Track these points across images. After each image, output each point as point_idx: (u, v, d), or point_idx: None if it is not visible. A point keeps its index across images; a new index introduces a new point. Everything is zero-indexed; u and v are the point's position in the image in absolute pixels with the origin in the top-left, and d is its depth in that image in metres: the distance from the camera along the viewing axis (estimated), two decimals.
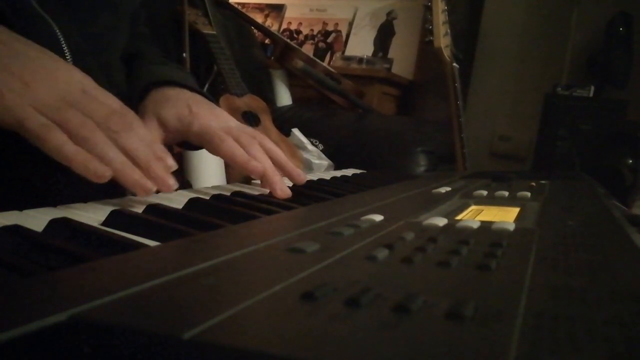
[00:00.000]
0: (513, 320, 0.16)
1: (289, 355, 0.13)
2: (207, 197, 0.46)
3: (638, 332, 0.15)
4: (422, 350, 0.13)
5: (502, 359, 0.13)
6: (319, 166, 1.65)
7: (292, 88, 2.23)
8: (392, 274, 0.21)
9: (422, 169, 1.68)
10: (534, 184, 0.60)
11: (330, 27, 2.61)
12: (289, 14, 2.72)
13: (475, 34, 2.36)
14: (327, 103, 2.14)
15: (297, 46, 2.26)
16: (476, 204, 0.47)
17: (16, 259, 0.25)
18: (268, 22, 2.69)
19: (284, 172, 0.55)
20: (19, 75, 0.40)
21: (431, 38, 1.54)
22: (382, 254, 0.24)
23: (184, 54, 1.70)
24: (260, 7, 2.76)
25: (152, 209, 0.39)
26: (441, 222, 0.33)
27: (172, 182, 0.43)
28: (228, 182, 1.24)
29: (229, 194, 0.50)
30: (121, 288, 0.18)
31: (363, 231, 0.30)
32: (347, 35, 2.57)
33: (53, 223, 0.32)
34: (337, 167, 1.59)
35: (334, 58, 2.53)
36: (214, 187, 0.58)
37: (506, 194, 0.50)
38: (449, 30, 1.56)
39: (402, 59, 2.42)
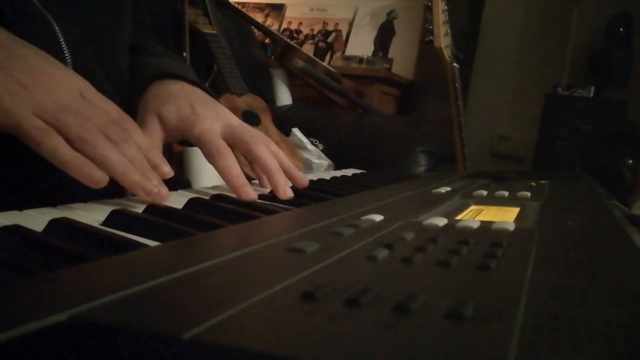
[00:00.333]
0: (513, 320, 0.16)
1: (289, 355, 0.13)
2: (207, 197, 0.46)
3: (638, 332, 0.15)
4: (422, 350, 0.13)
5: (502, 359, 0.13)
6: (319, 166, 1.65)
7: (292, 88, 2.23)
8: (392, 274, 0.21)
9: (422, 169, 1.68)
10: (534, 184, 0.60)
11: (330, 27, 2.61)
12: (289, 13, 2.72)
13: (476, 34, 2.36)
14: (327, 103, 2.14)
15: (297, 46, 2.26)
16: (476, 204, 0.47)
17: (16, 259, 0.25)
18: (268, 22, 2.69)
19: (287, 175, 0.55)
20: (18, 79, 0.40)
21: (431, 38, 1.54)
22: (382, 254, 0.24)
23: (184, 53, 1.70)
24: (260, 7, 2.76)
25: (152, 209, 0.39)
26: (441, 222, 0.33)
27: (165, 192, 0.43)
28: None
29: (228, 194, 0.50)
30: (121, 288, 0.18)
31: (363, 231, 0.30)
32: (348, 35, 2.57)
33: (53, 223, 0.32)
34: (337, 167, 1.59)
35: (334, 58, 2.54)
36: (214, 187, 0.58)
37: (506, 194, 0.50)
38: (449, 30, 1.56)
39: (402, 59, 2.42)
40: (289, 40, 2.28)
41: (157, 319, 0.15)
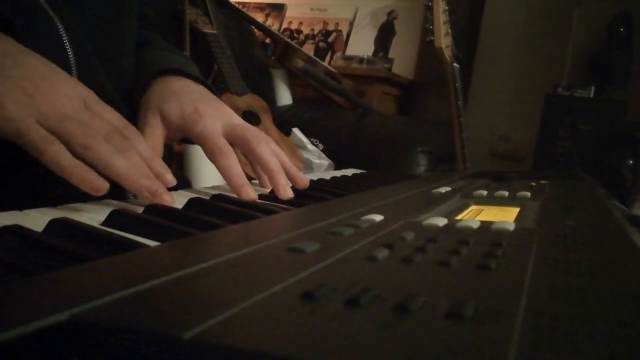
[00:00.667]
0: (513, 320, 0.16)
1: (289, 355, 0.13)
2: (207, 197, 0.46)
3: (638, 332, 0.15)
4: (422, 350, 0.13)
5: (502, 359, 0.13)
6: (319, 166, 1.65)
7: (292, 87, 2.24)
8: (392, 274, 0.21)
9: (422, 169, 1.68)
10: (534, 184, 0.60)
11: (330, 27, 2.61)
12: (289, 13, 2.72)
13: (476, 34, 2.36)
14: (328, 103, 2.14)
15: (297, 46, 2.26)
16: (476, 204, 0.47)
17: (16, 259, 0.25)
18: (269, 22, 2.69)
19: (288, 175, 0.55)
20: (22, 87, 0.40)
21: (432, 38, 1.54)
22: (382, 254, 0.24)
23: (185, 53, 1.70)
24: (260, 7, 2.76)
25: (152, 208, 0.39)
26: (441, 222, 0.33)
27: (169, 199, 0.43)
28: None
29: (228, 194, 0.50)
30: (121, 288, 0.18)
31: (363, 231, 0.30)
32: (348, 35, 2.57)
33: (53, 223, 0.32)
34: (337, 167, 1.60)
35: (334, 58, 2.54)
36: (214, 187, 0.58)
37: (506, 194, 0.50)
38: (449, 30, 1.56)
39: (402, 59, 2.42)
40: (289, 40, 2.28)
41: (157, 319, 0.15)
